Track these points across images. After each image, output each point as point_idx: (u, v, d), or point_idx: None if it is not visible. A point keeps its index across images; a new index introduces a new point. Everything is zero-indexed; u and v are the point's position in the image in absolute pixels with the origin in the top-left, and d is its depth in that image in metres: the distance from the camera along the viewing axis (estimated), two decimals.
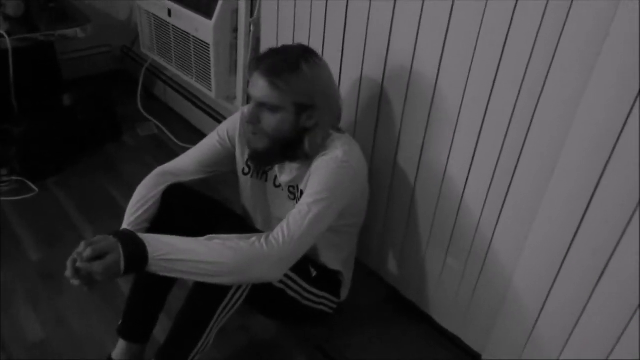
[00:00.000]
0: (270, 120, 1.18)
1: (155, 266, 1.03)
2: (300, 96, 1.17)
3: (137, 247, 1.03)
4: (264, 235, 1.10)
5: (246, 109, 1.36)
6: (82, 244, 1.03)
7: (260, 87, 1.16)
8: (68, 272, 1.03)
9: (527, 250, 1.19)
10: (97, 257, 1.01)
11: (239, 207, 1.47)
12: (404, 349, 1.48)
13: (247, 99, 1.23)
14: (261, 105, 1.17)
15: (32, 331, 1.45)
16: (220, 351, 1.41)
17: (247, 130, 1.24)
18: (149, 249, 1.02)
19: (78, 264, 1.02)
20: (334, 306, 1.45)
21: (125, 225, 1.23)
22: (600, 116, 0.97)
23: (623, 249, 1.01)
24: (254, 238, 1.08)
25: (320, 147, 1.22)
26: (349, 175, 1.20)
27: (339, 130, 1.28)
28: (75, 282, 1.03)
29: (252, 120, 1.19)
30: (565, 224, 1.08)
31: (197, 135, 1.39)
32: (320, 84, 1.20)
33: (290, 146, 1.22)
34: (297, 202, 1.27)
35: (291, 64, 1.16)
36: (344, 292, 1.47)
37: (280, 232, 1.10)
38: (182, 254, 1.05)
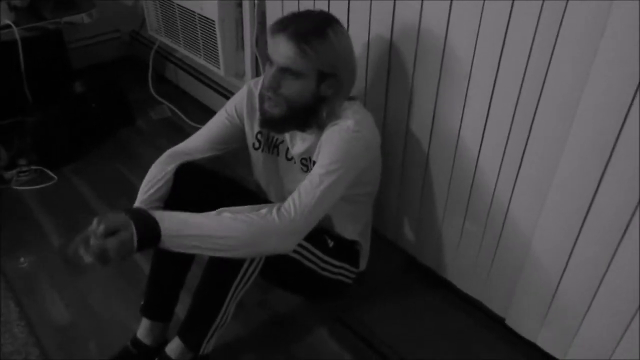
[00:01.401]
0: (291, 86, 1.15)
1: (168, 242, 1.03)
2: (325, 64, 1.14)
3: (149, 223, 1.02)
4: (275, 207, 1.09)
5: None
6: (95, 221, 1.02)
7: (285, 51, 1.12)
8: (80, 251, 1.02)
9: (545, 211, 1.16)
10: (110, 233, 1.00)
11: (253, 183, 1.46)
12: (426, 317, 1.47)
13: (267, 61, 1.19)
14: (284, 71, 1.15)
15: (58, 315, 1.48)
16: (242, 326, 1.42)
17: (264, 94, 1.20)
18: (162, 225, 1.02)
19: (92, 241, 1.01)
20: (353, 276, 1.44)
21: (137, 204, 1.23)
22: (617, 71, 0.93)
23: None
24: (265, 210, 1.08)
25: (333, 116, 1.20)
26: (361, 144, 1.18)
27: (350, 97, 1.25)
28: (89, 259, 1.02)
29: (273, 85, 1.16)
30: (585, 182, 1.05)
31: (210, 115, 1.39)
32: (345, 53, 1.18)
33: (306, 114, 1.20)
34: None
35: (319, 30, 1.13)
36: (363, 262, 1.46)
37: (292, 203, 1.09)
38: (194, 230, 1.04)
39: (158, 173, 1.26)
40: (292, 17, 1.17)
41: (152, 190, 1.24)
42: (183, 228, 1.04)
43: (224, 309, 1.19)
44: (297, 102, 1.17)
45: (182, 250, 1.05)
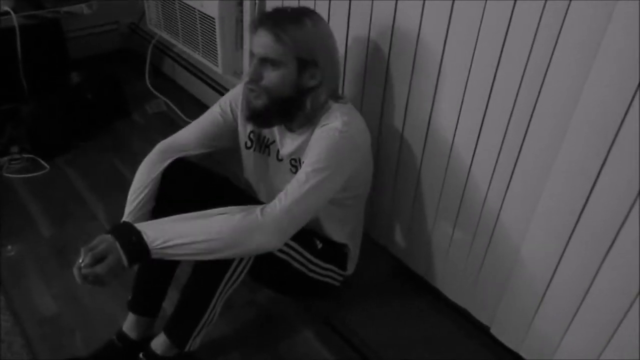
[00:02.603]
0: (271, 76, 1.16)
1: (157, 254, 1.06)
2: (302, 51, 1.15)
3: (134, 240, 1.05)
4: (260, 206, 1.09)
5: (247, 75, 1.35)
6: (82, 251, 1.06)
7: (263, 41, 1.15)
8: (77, 280, 1.06)
9: (535, 222, 1.17)
10: (99, 260, 1.04)
11: (244, 182, 1.46)
12: (412, 322, 1.48)
13: (250, 58, 1.21)
14: (263, 61, 1.16)
15: (44, 305, 1.47)
16: (229, 325, 1.42)
17: (247, 88, 1.22)
18: (147, 240, 1.05)
19: (83, 271, 1.04)
20: (341, 279, 1.45)
21: (127, 211, 1.24)
22: (609, 89, 0.95)
23: (632, 221, 0.99)
24: (250, 209, 1.09)
25: (321, 113, 1.21)
26: (349, 145, 1.18)
27: (340, 99, 1.26)
28: (88, 285, 1.05)
29: (255, 77, 1.17)
30: (574, 195, 1.06)
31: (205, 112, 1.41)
32: (323, 41, 1.19)
33: (291, 106, 1.20)
34: None
35: (295, 18, 1.16)
36: (351, 265, 1.47)
37: (277, 202, 1.10)
38: (179, 239, 1.06)
39: (146, 178, 1.26)
40: (271, 11, 1.20)
41: (141, 196, 1.24)
42: (168, 239, 1.06)
43: (212, 307, 1.19)
44: (278, 93, 1.17)
45: (176, 259, 1.08)
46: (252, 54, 1.19)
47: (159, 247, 1.05)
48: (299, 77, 1.17)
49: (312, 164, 1.13)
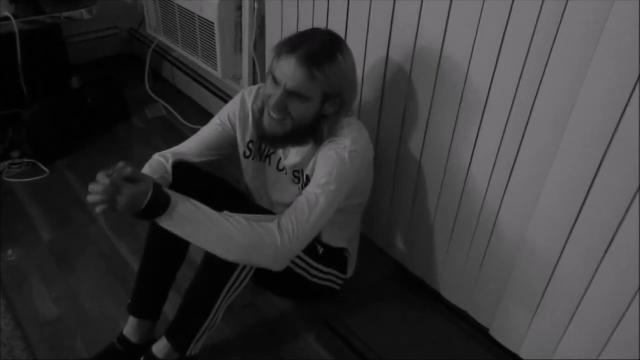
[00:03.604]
0: (298, 109, 1.15)
1: (172, 219, 1.05)
2: (332, 87, 1.15)
3: (164, 193, 1.06)
4: (275, 223, 1.10)
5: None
6: (122, 163, 1.05)
7: (295, 75, 1.11)
8: (94, 188, 1.01)
9: (533, 225, 1.18)
10: (131, 181, 1.03)
11: (244, 186, 1.47)
12: (412, 325, 1.48)
13: (271, 78, 1.18)
14: (292, 94, 1.14)
15: (46, 309, 1.48)
16: (230, 328, 1.43)
17: (271, 115, 1.18)
18: (173, 199, 1.06)
19: (114, 176, 1.02)
20: (341, 282, 1.45)
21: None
22: (607, 90, 0.96)
23: (631, 221, 1.00)
24: (268, 225, 1.09)
25: (331, 132, 1.22)
26: (357, 163, 1.20)
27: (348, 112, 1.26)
28: (97, 197, 1.01)
29: (280, 108, 1.15)
30: (573, 197, 1.07)
31: (206, 117, 1.39)
32: (350, 74, 1.19)
33: (307, 132, 1.21)
34: (301, 187, 1.27)
35: (329, 53, 1.13)
36: (350, 269, 1.48)
37: (290, 223, 1.10)
38: (200, 216, 1.06)
39: (160, 165, 1.26)
40: (301, 39, 1.16)
41: (156, 176, 1.23)
42: (192, 211, 1.06)
43: (214, 312, 1.19)
44: (301, 123, 1.18)
45: (178, 233, 1.07)
46: (275, 79, 1.15)
47: (179, 210, 1.05)
48: (322, 108, 1.18)
49: (323, 185, 1.15)
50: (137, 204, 1.03)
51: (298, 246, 1.14)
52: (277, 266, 1.13)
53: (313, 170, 1.21)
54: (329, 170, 1.16)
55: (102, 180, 1.02)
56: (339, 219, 1.34)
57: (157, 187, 1.05)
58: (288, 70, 1.12)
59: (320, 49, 1.13)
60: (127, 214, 1.03)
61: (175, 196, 1.07)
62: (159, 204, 1.04)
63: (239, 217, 1.09)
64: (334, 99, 1.18)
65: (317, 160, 1.20)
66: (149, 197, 1.02)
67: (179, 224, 1.06)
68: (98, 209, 1.02)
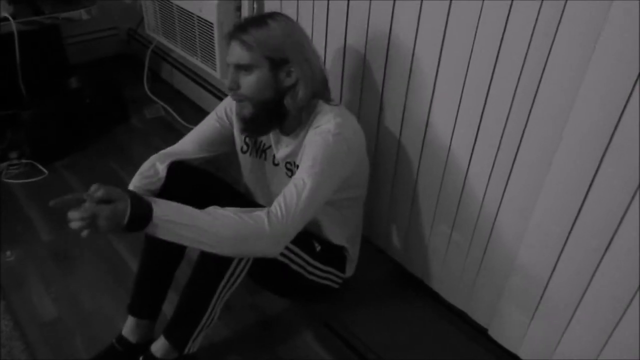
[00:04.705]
0: (246, 81, 1.18)
1: (158, 227, 1.03)
2: (269, 50, 1.16)
3: (143, 204, 1.03)
4: (264, 211, 1.10)
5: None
6: (94, 186, 1.02)
7: (232, 50, 1.17)
8: (70, 213, 1.00)
9: (532, 224, 1.18)
10: (106, 201, 1.01)
11: (242, 186, 1.47)
12: (410, 325, 1.48)
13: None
14: (237, 68, 1.18)
15: (45, 310, 1.48)
16: (229, 328, 1.43)
17: (234, 99, 1.23)
18: (155, 209, 1.03)
19: (87, 203, 1.00)
20: (340, 281, 1.46)
21: (131, 188, 1.23)
22: (605, 91, 0.96)
23: (629, 221, 1.00)
24: (257, 213, 1.09)
25: (312, 115, 1.22)
26: (342, 146, 1.19)
27: (331, 101, 1.27)
28: (77, 224, 0.99)
29: (232, 86, 1.19)
30: (571, 197, 1.07)
31: (204, 117, 1.40)
32: (290, 38, 1.19)
33: (275, 108, 1.21)
34: None
35: (257, 21, 1.18)
36: (350, 268, 1.48)
37: (279, 209, 1.10)
38: (186, 219, 1.05)
39: (150, 168, 1.27)
40: (238, 22, 1.22)
41: (145, 181, 1.24)
42: (176, 216, 1.05)
43: (211, 309, 1.19)
44: (259, 97, 1.19)
45: (167, 238, 1.05)
46: (228, 66, 1.21)
47: (164, 219, 1.03)
48: (275, 78, 1.18)
49: (308, 169, 1.14)
50: (118, 222, 1.01)
51: (289, 228, 1.11)
52: (271, 251, 1.13)
53: (301, 159, 1.21)
54: (313, 154, 1.16)
55: (77, 215, 0.99)
56: (337, 215, 1.34)
57: (135, 201, 1.02)
58: (229, 51, 1.19)
59: (247, 20, 1.20)
60: (112, 233, 1.02)
61: (157, 204, 1.04)
62: (141, 216, 1.02)
63: (225, 210, 1.08)
64: (285, 67, 1.18)
65: (304, 147, 1.21)
66: (127, 213, 1.01)
67: (165, 230, 1.04)
68: (83, 234, 1.00)
